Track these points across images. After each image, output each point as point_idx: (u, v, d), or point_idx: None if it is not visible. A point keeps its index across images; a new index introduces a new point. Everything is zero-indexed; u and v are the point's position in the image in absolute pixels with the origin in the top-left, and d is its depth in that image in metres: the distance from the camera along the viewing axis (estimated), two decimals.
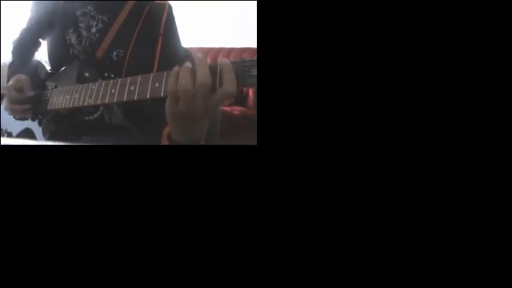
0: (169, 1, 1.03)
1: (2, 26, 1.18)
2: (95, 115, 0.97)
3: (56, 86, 0.97)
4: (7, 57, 1.13)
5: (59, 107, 0.90)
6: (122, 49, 0.96)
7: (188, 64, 0.63)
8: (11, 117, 1.03)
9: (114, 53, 0.96)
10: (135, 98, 0.70)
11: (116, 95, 0.74)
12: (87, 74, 0.94)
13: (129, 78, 0.72)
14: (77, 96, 0.84)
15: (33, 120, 1.00)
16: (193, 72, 0.61)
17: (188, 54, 1.08)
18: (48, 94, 0.95)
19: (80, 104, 0.83)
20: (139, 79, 0.70)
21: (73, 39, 1.00)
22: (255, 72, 0.58)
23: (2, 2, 1.14)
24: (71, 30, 1.01)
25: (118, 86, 0.74)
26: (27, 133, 1.00)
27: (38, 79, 1.02)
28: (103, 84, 0.78)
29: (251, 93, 2.59)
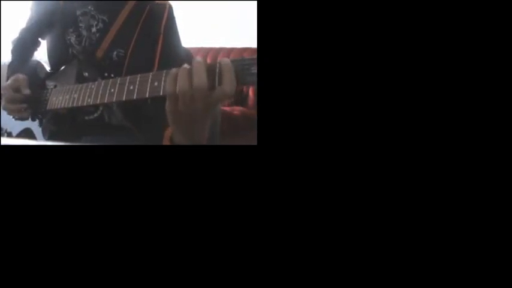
0: (169, 1, 1.03)
1: (2, 26, 1.18)
2: (95, 115, 0.97)
3: (55, 86, 0.97)
4: (7, 57, 1.13)
5: (59, 106, 0.90)
6: (122, 49, 0.96)
7: (186, 66, 0.63)
8: (11, 117, 1.03)
9: (115, 52, 0.96)
10: (134, 97, 0.70)
11: (115, 94, 0.74)
12: (86, 74, 0.94)
13: (128, 78, 0.72)
14: (76, 96, 0.84)
15: (33, 120, 1.00)
16: (190, 73, 0.61)
17: (188, 54, 1.08)
18: (48, 94, 0.95)
19: (79, 103, 0.83)
20: (138, 78, 0.70)
21: (73, 39, 1.00)
22: (255, 70, 0.58)
23: (2, 2, 1.14)
24: (70, 30, 1.01)
25: (117, 86, 0.74)
26: (27, 133, 1.00)
27: (38, 79, 1.02)
28: (102, 84, 0.78)
29: (251, 93, 2.59)
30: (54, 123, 0.98)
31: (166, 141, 0.81)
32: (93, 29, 0.99)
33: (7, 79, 1.03)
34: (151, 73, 0.69)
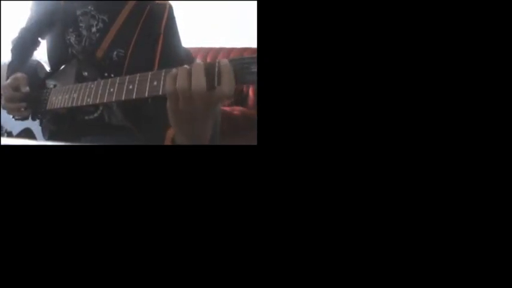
0: (169, 1, 1.03)
1: (2, 26, 1.18)
2: (95, 114, 0.97)
3: (55, 86, 0.97)
4: (7, 57, 1.13)
5: (58, 106, 0.90)
6: (122, 49, 0.96)
7: (186, 66, 0.63)
8: (11, 117, 1.03)
9: (115, 52, 0.96)
10: (134, 97, 0.70)
11: (115, 93, 0.74)
12: (86, 74, 0.94)
13: (127, 77, 0.72)
14: (75, 95, 0.84)
15: (33, 120, 1.00)
16: (189, 74, 0.61)
17: (188, 54, 1.08)
18: (47, 94, 0.95)
19: (79, 103, 0.83)
20: (137, 78, 0.70)
21: (72, 39, 1.00)
22: (255, 69, 0.58)
23: (2, 2, 1.14)
24: (70, 30, 1.01)
25: (116, 85, 0.74)
26: (27, 133, 1.00)
27: (37, 79, 1.02)
28: (101, 83, 0.78)
29: (251, 93, 2.59)
30: (54, 123, 0.98)
31: (168, 142, 0.81)
32: (93, 29, 0.99)
33: (7, 79, 1.03)
34: (150, 72, 0.69)
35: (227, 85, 0.60)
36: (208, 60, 2.43)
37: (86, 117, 0.97)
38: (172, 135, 0.81)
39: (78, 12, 1.00)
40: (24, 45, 1.10)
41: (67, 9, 1.02)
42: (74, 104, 0.84)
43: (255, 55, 0.58)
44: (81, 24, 1.00)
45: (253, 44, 2.47)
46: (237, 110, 2.49)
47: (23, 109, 0.98)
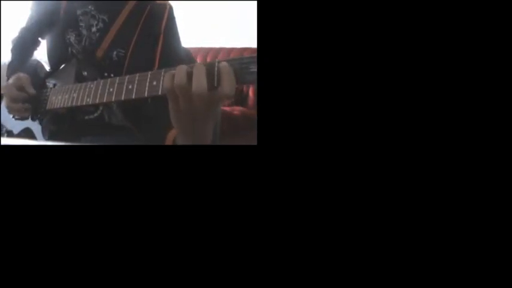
0: (169, 1, 1.03)
1: (2, 26, 1.18)
2: (95, 114, 0.97)
3: (54, 85, 0.97)
4: (7, 57, 1.13)
5: (58, 106, 0.90)
6: (122, 49, 0.96)
7: (184, 66, 0.63)
8: (11, 116, 1.03)
9: (114, 52, 0.96)
10: (133, 97, 0.70)
11: (114, 93, 0.74)
12: (85, 73, 0.94)
13: (127, 77, 0.72)
14: (75, 95, 0.84)
15: (33, 119, 1.00)
16: (187, 72, 0.61)
17: (188, 54, 1.08)
18: (47, 93, 0.95)
19: (79, 103, 0.83)
20: (137, 77, 0.70)
21: (72, 38, 1.00)
22: (254, 69, 0.58)
23: (2, 2, 1.14)
24: (70, 30, 1.01)
25: (116, 85, 0.74)
26: (27, 132, 1.00)
27: (37, 78, 1.02)
28: (101, 83, 0.78)
29: (251, 93, 2.59)
30: (54, 122, 0.98)
31: (168, 143, 0.81)
32: (93, 29, 0.99)
33: (7, 79, 1.03)
34: (149, 72, 0.69)
35: (228, 85, 0.60)
36: (208, 60, 2.43)
37: (86, 117, 0.97)
38: (174, 137, 0.81)
39: (79, 12, 1.01)
40: (24, 45, 1.10)
41: (67, 9, 1.02)
42: (73, 104, 0.84)
43: (255, 55, 0.58)
44: (81, 24, 1.00)
45: (253, 44, 2.47)
46: (237, 110, 2.49)
47: (25, 110, 0.98)
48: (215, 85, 0.60)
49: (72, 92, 0.86)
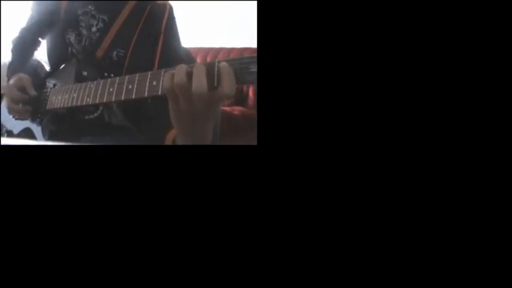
0: (169, 1, 1.03)
1: (2, 26, 1.18)
2: (95, 114, 0.97)
3: (54, 85, 0.97)
4: (7, 57, 1.13)
5: (58, 106, 0.90)
6: (122, 49, 0.96)
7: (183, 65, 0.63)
8: (11, 116, 1.03)
9: (114, 52, 0.96)
10: (133, 97, 0.70)
11: (114, 93, 0.74)
12: (85, 73, 0.94)
13: (126, 77, 0.72)
14: (75, 95, 0.84)
15: (32, 119, 1.00)
16: (187, 71, 0.61)
17: (188, 54, 1.08)
18: (47, 93, 0.95)
19: (79, 103, 0.83)
20: (137, 77, 0.70)
21: (72, 38, 1.00)
22: (254, 69, 0.58)
23: (2, 2, 1.14)
24: (70, 29, 1.01)
25: (116, 85, 0.74)
26: (27, 132, 1.00)
27: (38, 79, 1.02)
28: (101, 83, 0.78)
29: (251, 93, 2.59)
30: (54, 122, 0.98)
31: (168, 143, 0.81)
32: (93, 29, 0.99)
33: (8, 79, 1.03)
34: (149, 72, 0.69)
35: (228, 85, 0.60)
36: (208, 60, 2.44)
37: (86, 117, 0.97)
38: (173, 137, 0.81)
39: (79, 12, 1.01)
40: (25, 45, 1.10)
41: (68, 9, 1.02)
42: (73, 104, 0.84)
43: (255, 55, 0.57)
44: (81, 24, 1.00)
45: (253, 44, 2.47)
46: (237, 110, 2.49)
47: (25, 111, 0.98)
48: (215, 85, 0.60)
49: (72, 92, 0.86)
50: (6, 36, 1.17)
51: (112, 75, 0.94)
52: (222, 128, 1.07)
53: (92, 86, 0.81)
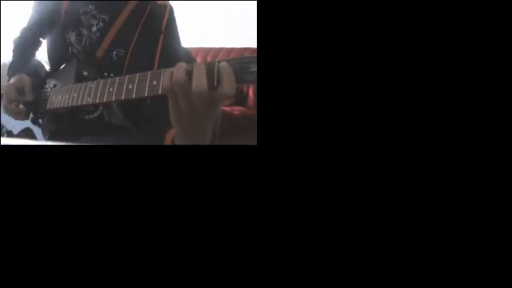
0: (170, 1, 1.03)
1: (2, 26, 1.18)
2: (95, 114, 0.97)
3: (54, 85, 0.97)
4: (7, 57, 1.13)
5: (58, 106, 0.90)
6: (123, 49, 0.96)
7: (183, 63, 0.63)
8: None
9: (114, 52, 0.96)
10: (133, 96, 0.70)
11: (114, 93, 0.74)
12: (85, 73, 0.94)
13: (127, 77, 0.72)
14: (75, 95, 0.84)
15: (33, 119, 1.00)
16: (188, 70, 0.61)
17: (188, 54, 1.08)
18: (47, 93, 0.96)
19: (79, 103, 0.83)
20: (137, 77, 0.70)
21: (72, 38, 1.00)
22: (254, 68, 0.58)
23: (2, 2, 1.14)
24: (71, 29, 1.01)
25: (116, 85, 0.74)
26: (27, 132, 1.00)
27: (38, 78, 1.02)
28: (101, 83, 0.78)
29: (251, 93, 2.59)
30: (54, 122, 0.98)
31: (168, 143, 0.81)
32: (94, 29, 0.99)
33: (8, 79, 1.03)
34: (149, 72, 0.69)
35: (228, 85, 0.60)
36: (208, 60, 2.43)
37: (86, 117, 0.97)
38: (173, 136, 0.81)
39: (79, 12, 1.01)
40: (26, 45, 1.10)
41: (68, 9, 1.02)
42: (73, 104, 0.85)
43: (254, 54, 0.58)
44: (81, 24, 1.00)
45: (253, 44, 2.47)
46: (237, 110, 2.49)
47: (21, 113, 0.98)
48: (215, 85, 0.60)
49: (72, 91, 0.86)
50: (7, 36, 1.17)
51: (112, 75, 0.94)
52: (222, 128, 1.07)
53: (92, 85, 0.81)
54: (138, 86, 0.69)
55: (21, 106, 0.98)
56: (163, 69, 0.66)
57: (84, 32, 1.00)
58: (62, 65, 1.00)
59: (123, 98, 0.72)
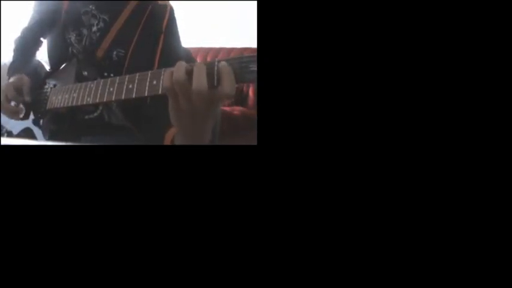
0: (170, 1, 1.03)
1: (2, 26, 1.18)
2: (95, 114, 0.97)
3: (55, 85, 0.97)
4: (7, 57, 1.13)
5: (58, 106, 0.90)
6: (123, 49, 0.96)
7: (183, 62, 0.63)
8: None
9: (115, 52, 0.96)
10: (133, 96, 0.70)
11: (114, 93, 0.74)
12: (85, 73, 0.94)
13: (127, 76, 0.72)
14: (75, 95, 0.84)
15: (33, 119, 1.00)
16: (188, 69, 0.61)
17: (188, 54, 1.08)
18: (47, 93, 0.96)
19: (79, 102, 0.83)
20: (137, 77, 0.70)
21: (73, 38, 1.00)
22: (254, 68, 0.58)
23: (2, 2, 1.14)
24: (71, 29, 1.01)
25: (116, 84, 0.74)
26: (27, 132, 1.00)
27: (38, 79, 1.02)
28: (101, 83, 0.78)
29: (251, 93, 2.59)
30: (54, 122, 0.98)
31: (167, 143, 0.81)
32: (94, 28, 0.99)
33: (8, 78, 1.03)
34: (150, 71, 0.69)
35: (228, 85, 0.60)
36: (208, 60, 2.43)
37: (86, 117, 0.97)
38: (173, 136, 0.81)
39: (80, 12, 1.01)
40: (26, 45, 1.10)
41: (68, 9, 1.02)
42: (74, 104, 0.85)
43: (254, 54, 0.58)
44: (82, 24, 1.00)
45: (253, 44, 2.47)
46: (237, 110, 2.49)
47: (18, 114, 0.98)
48: (215, 84, 0.60)
49: (73, 91, 0.86)
50: (7, 36, 1.17)
51: (112, 75, 0.94)
52: (222, 128, 1.07)
53: (92, 85, 0.81)
54: (139, 86, 0.69)
55: (20, 106, 0.98)
56: (163, 69, 0.66)
57: (85, 31, 1.00)
58: (62, 65, 1.00)
59: (123, 97, 0.72)
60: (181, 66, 0.61)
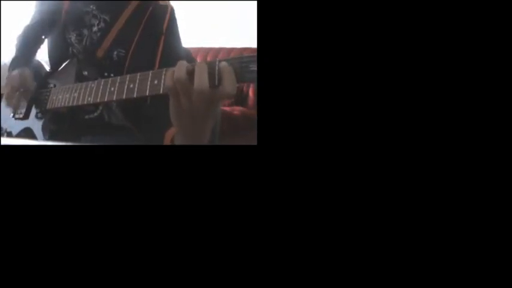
0: (171, 1, 1.03)
1: (2, 26, 1.18)
2: (95, 114, 0.97)
3: (55, 85, 0.97)
4: (7, 57, 1.13)
5: (59, 105, 0.90)
6: (123, 49, 0.96)
7: (184, 62, 0.63)
8: (11, 116, 1.03)
9: (115, 52, 0.96)
10: (135, 96, 0.70)
11: (115, 93, 0.74)
12: (86, 73, 0.94)
13: (128, 76, 0.72)
14: (76, 94, 0.84)
15: (33, 119, 1.00)
16: (189, 68, 0.61)
17: (188, 54, 1.08)
18: (48, 93, 0.95)
19: (80, 102, 0.83)
20: (138, 77, 0.70)
21: (73, 38, 1.00)
22: (254, 68, 0.58)
23: (2, 2, 1.14)
24: (71, 29, 1.01)
25: (117, 84, 0.74)
26: (27, 133, 1.00)
27: (39, 78, 1.02)
28: (102, 83, 0.78)
29: (251, 93, 2.59)
30: (54, 122, 0.98)
31: (167, 142, 0.81)
32: (95, 28, 0.99)
33: (10, 72, 1.03)
34: (151, 71, 0.69)
35: (229, 85, 0.60)
36: (209, 60, 2.43)
37: (86, 117, 0.97)
38: (172, 135, 0.81)
39: (80, 12, 1.01)
40: (27, 43, 1.10)
41: (69, 9, 1.02)
42: (74, 103, 0.85)
43: (254, 54, 0.58)
44: (82, 24, 1.00)
45: (253, 44, 2.47)
46: (237, 110, 2.49)
47: (21, 113, 0.97)
48: (216, 84, 0.60)
49: (73, 91, 0.86)
50: (7, 36, 1.17)
51: (112, 75, 0.94)
52: (222, 128, 1.07)
53: (93, 85, 0.81)
54: (140, 86, 0.70)
55: (22, 96, 0.97)
56: (164, 69, 0.66)
57: (85, 31, 1.00)
58: (63, 64, 1.00)
59: (124, 97, 0.72)
60: (182, 66, 0.61)
